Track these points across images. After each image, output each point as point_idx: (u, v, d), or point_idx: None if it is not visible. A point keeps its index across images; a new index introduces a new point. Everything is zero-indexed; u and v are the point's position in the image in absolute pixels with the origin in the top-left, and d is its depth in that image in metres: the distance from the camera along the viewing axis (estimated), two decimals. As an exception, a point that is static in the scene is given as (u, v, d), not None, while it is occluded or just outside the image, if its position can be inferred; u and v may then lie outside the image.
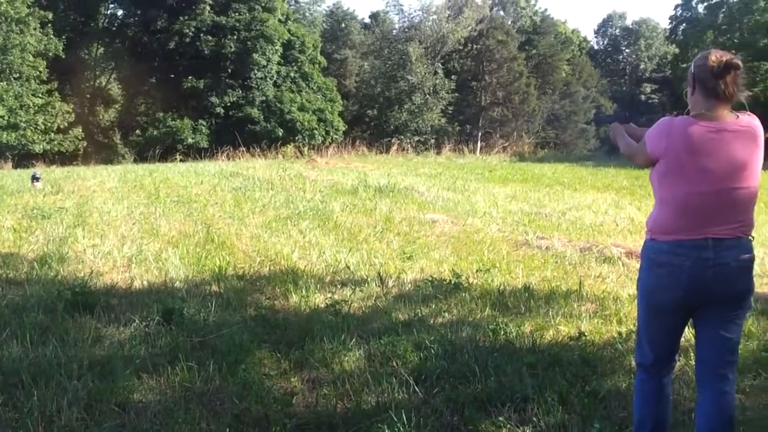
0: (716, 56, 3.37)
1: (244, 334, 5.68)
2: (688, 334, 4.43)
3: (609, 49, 71.06)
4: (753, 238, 3.47)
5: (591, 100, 57.11)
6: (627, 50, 69.72)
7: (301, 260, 8.62)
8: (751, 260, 3.43)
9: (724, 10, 46.50)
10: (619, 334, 5.66)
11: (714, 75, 3.34)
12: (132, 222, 11.65)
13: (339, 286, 7.39)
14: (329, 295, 6.90)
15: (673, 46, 54.70)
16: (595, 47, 71.99)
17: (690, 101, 3.49)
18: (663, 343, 3.63)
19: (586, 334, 5.67)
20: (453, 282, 7.24)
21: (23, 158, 34.65)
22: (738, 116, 3.38)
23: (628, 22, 70.98)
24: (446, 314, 6.39)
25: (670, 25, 53.87)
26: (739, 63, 3.37)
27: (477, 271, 7.91)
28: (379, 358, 5.17)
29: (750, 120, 3.40)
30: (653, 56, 67.12)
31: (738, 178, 3.34)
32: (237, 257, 8.88)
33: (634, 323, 5.94)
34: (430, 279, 7.49)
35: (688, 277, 3.35)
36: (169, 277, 7.76)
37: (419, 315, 6.33)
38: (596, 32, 73.10)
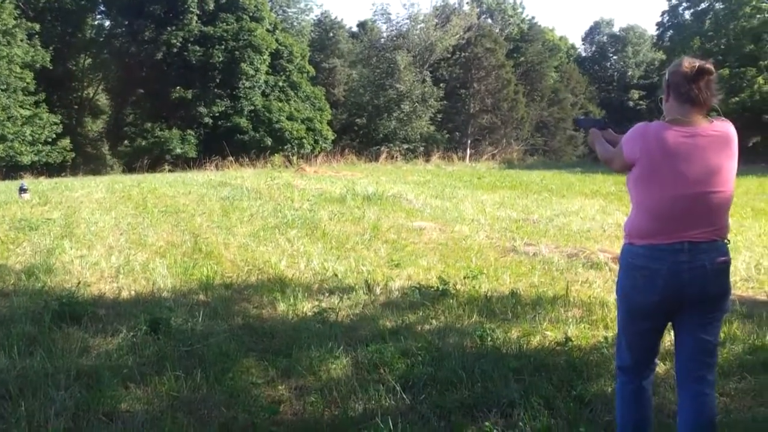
0: (689, 62, 3.41)
1: (232, 342, 5.69)
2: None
3: (597, 56, 71.25)
4: (729, 241, 3.50)
5: (579, 107, 57.25)
6: (614, 57, 69.95)
7: (289, 269, 8.63)
8: (727, 263, 3.47)
9: (710, 16, 46.80)
10: (606, 338, 5.68)
11: (687, 80, 3.39)
12: (119, 232, 11.63)
13: (327, 294, 7.40)
14: (317, 303, 6.92)
15: (660, 52, 54.96)
16: (583, 54, 72.23)
17: (664, 107, 3.53)
18: (641, 347, 3.65)
19: (572, 339, 5.69)
20: (440, 289, 7.26)
21: (11, 170, 34.57)
22: (712, 122, 3.42)
23: (616, 29, 71.28)
24: (433, 321, 6.41)
25: (657, 32, 54.09)
26: (712, 68, 3.41)
27: (464, 277, 7.93)
28: (366, 366, 5.17)
29: (724, 125, 3.43)
30: (641, 63, 67.35)
31: (712, 183, 3.37)
32: (224, 267, 8.88)
33: (619, 328, 6.00)
34: (418, 286, 7.50)
35: (665, 280, 3.38)
36: (156, 287, 7.75)
37: (406, 322, 6.35)
38: (584, 39, 73.38)
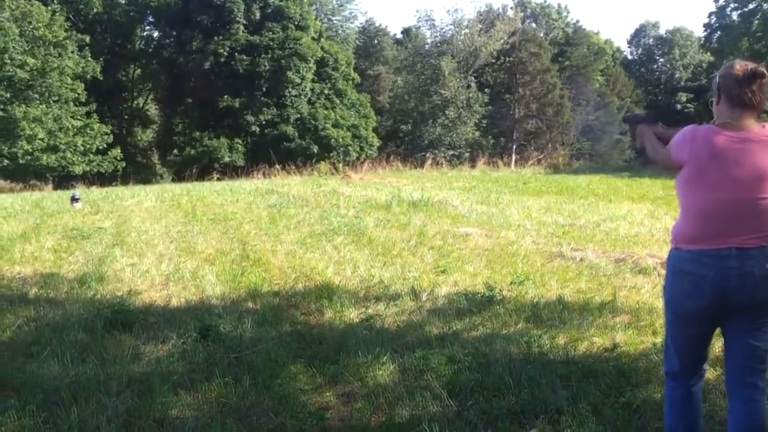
0: (741, 65, 3.38)
1: (280, 349, 5.74)
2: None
3: (643, 58, 70.37)
4: None
5: (626, 111, 56.58)
6: (661, 59, 69.04)
7: (336, 275, 8.67)
8: None
9: (758, 17, 45.99)
10: (654, 344, 5.62)
11: (739, 83, 3.35)
12: (169, 240, 11.79)
13: (373, 301, 7.42)
14: (363, 310, 6.95)
15: (708, 54, 54.18)
16: (629, 57, 71.39)
17: (715, 111, 3.50)
18: (689, 352, 3.63)
19: (620, 345, 5.65)
20: (486, 295, 7.24)
21: (63, 180, 35.26)
22: (764, 126, 3.37)
23: (662, 32, 70.35)
24: (480, 327, 6.39)
25: (704, 33, 53.31)
26: (765, 71, 3.36)
27: (511, 283, 7.91)
28: (413, 372, 5.18)
29: None
30: (688, 65, 66.40)
31: (761, 188, 3.31)
32: (272, 274, 8.95)
33: (668, 333, 5.94)
34: (464, 292, 7.50)
35: (712, 286, 3.35)
36: (205, 295, 7.85)
37: (453, 328, 6.34)
38: (629, 42, 72.45)
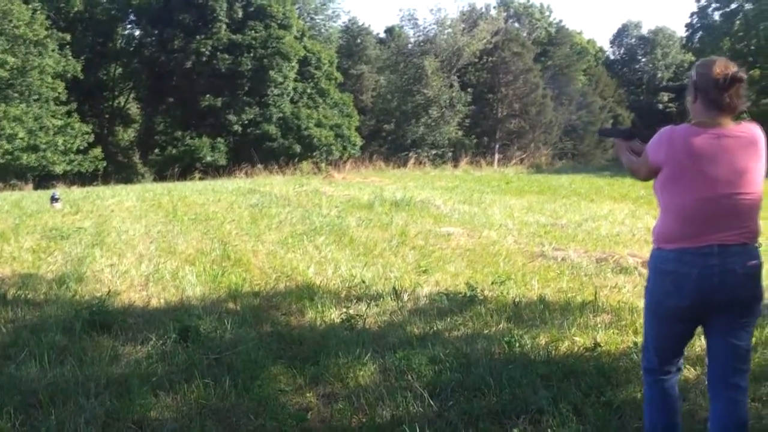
0: (720, 68, 3.40)
1: (260, 350, 5.71)
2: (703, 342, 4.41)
3: (625, 58, 70.65)
4: (760, 244, 3.49)
5: (608, 110, 56.84)
6: (643, 59, 69.33)
7: (317, 276, 8.65)
8: (758, 267, 3.44)
9: (740, 17, 46.29)
10: (635, 344, 5.63)
11: (718, 88, 3.38)
12: (149, 241, 11.73)
13: (354, 301, 7.41)
14: (344, 310, 6.92)
15: (690, 54, 54.42)
16: (612, 57, 71.67)
17: (691, 109, 3.53)
18: (669, 349, 3.66)
19: (601, 344, 5.66)
20: (468, 295, 7.25)
21: (44, 179, 34.99)
22: (740, 123, 3.43)
23: (644, 31, 70.64)
24: (461, 327, 6.40)
25: (686, 33, 53.62)
26: (744, 76, 3.41)
27: (492, 283, 7.92)
28: (394, 372, 5.18)
29: (750, 127, 3.44)
30: (670, 65, 66.71)
31: (740, 184, 3.36)
32: (253, 274, 8.92)
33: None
34: (445, 292, 7.49)
35: (695, 285, 3.37)
36: (185, 295, 7.81)
37: (434, 328, 6.34)
38: (612, 42, 72.68)
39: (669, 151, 3.43)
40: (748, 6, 45.93)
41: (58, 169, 35.89)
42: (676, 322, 3.54)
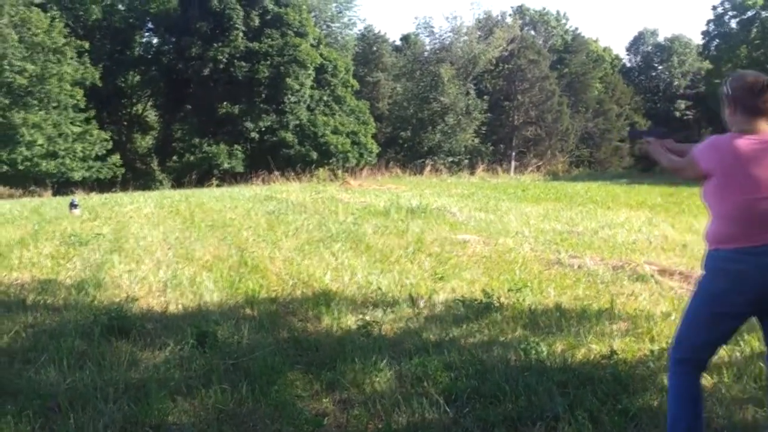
0: (753, 77, 3.69)
1: (277, 356, 5.72)
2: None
3: (642, 66, 70.32)
4: None
5: (625, 118, 56.67)
6: (660, 67, 69.00)
7: (334, 282, 8.66)
8: None
9: (756, 24, 46.11)
10: (652, 352, 5.63)
11: (755, 94, 3.63)
12: (167, 247, 11.78)
13: (371, 308, 7.42)
14: (361, 317, 6.93)
15: (707, 61, 54.23)
16: (628, 65, 71.35)
17: (730, 120, 3.75)
18: (715, 345, 3.88)
19: (618, 352, 5.63)
20: (484, 302, 7.23)
21: (63, 186, 35.24)
22: None
23: (660, 39, 70.33)
24: (477, 334, 6.39)
25: (702, 41, 53.44)
26: None
27: (508, 290, 7.89)
28: (410, 379, 5.18)
29: None
30: (687, 72, 66.38)
31: None
32: (270, 280, 8.95)
33: (667, 341, 5.94)
34: (462, 299, 7.49)
35: (753, 280, 3.57)
36: (203, 301, 7.84)
37: (450, 335, 6.34)
38: (628, 50, 72.41)
39: (717, 159, 3.65)
40: (765, 14, 45.75)
41: (77, 175, 36.14)
42: (731, 318, 3.73)
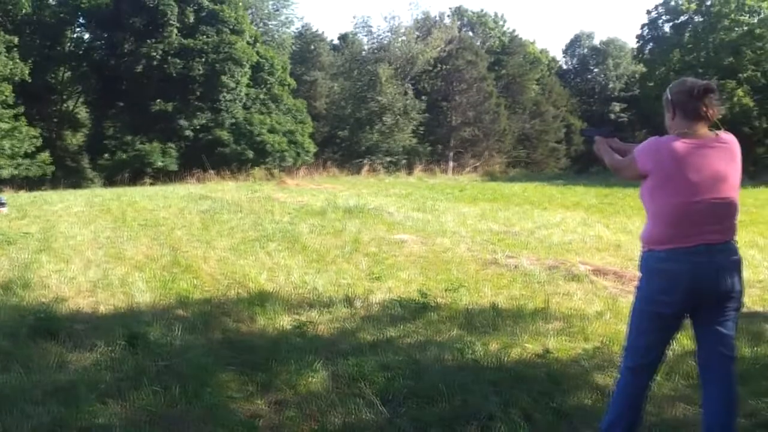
0: (692, 82, 3.80)
1: (210, 357, 5.64)
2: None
3: (578, 68, 71.34)
4: (736, 241, 3.79)
5: (561, 119, 57.43)
6: (595, 69, 70.10)
7: (269, 282, 8.59)
8: (740, 261, 3.77)
9: (689, 29, 47.13)
10: (585, 350, 5.70)
11: (694, 98, 3.72)
12: (97, 246, 11.54)
13: (306, 308, 7.37)
14: (296, 317, 6.89)
15: (641, 65, 55.24)
16: (564, 67, 72.33)
17: (670, 125, 3.85)
18: (660, 345, 3.88)
19: (552, 351, 5.70)
20: (421, 302, 7.25)
21: (-10, 184, 34.29)
22: (717, 134, 3.75)
23: (596, 42, 71.44)
24: (413, 334, 6.39)
25: (637, 44, 54.43)
26: (715, 86, 3.77)
27: (445, 290, 7.93)
28: (346, 379, 5.15)
29: (728, 137, 3.78)
30: (621, 75, 67.55)
31: (721, 189, 3.68)
32: (203, 281, 8.83)
33: (601, 340, 6.03)
34: (398, 299, 7.49)
35: (688, 280, 3.65)
36: (134, 302, 7.70)
37: (386, 335, 6.33)
38: (565, 52, 73.38)
39: (656, 161, 3.72)
40: (697, 18, 46.82)
41: (5, 173, 35.18)
42: (673, 316, 3.78)
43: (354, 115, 49.20)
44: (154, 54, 39.40)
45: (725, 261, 3.71)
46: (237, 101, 41.88)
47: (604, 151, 4.26)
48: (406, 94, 48.35)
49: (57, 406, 4.65)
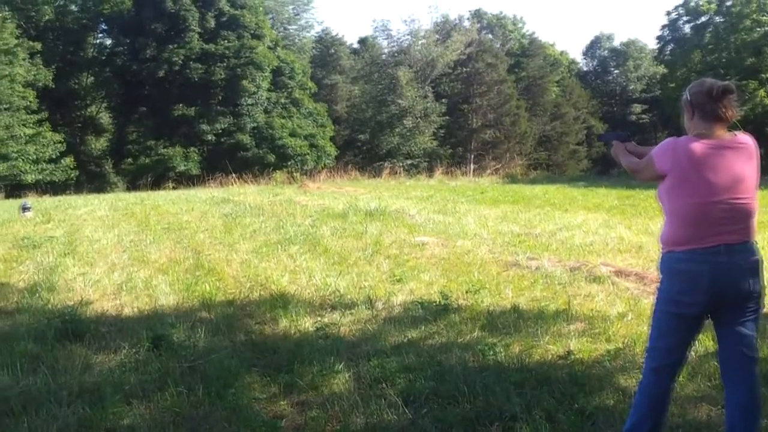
0: (711, 83, 3.77)
1: (233, 359, 5.69)
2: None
3: (598, 70, 71.03)
4: (756, 242, 3.78)
5: (582, 121, 57.22)
6: (616, 71, 69.75)
7: (291, 285, 8.63)
8: (759, 261, 3.75)
9: (710, 29, 46.88)
10: (608, 352, 5.67)
11: (712, 99, 3.70)
12: (122, 250, 11.65)
13: (328, 310, 7.40)
14: (318, 319, 6.92)
15: (662, 66, 54.97)
16: (584, 69, 72.06)
17: (689, 126, 3.83)
18: (682, 346, 3.87)
19: (574, 352, 5.68)
20: (442, 304, 7.25)
21: (15, 189, 34.60)
22: (735, 135, 3.74)
23: (616, 44, 71.13)
24: (435, 336, 6.39)
25: (657, 46, 54.19)
26: (734, 87, 3.75)
27: (466, 292, 7.92)
28: (368, 381, 5.17)
29: (746, 138, 3.77)
30: (642, 77, 67.15)
31: (738, 190, 3.67)
32: (227, 283, 8.88)
33: (623, 341, 6.01)
34: (420, 301, 7.50)
35: (708, 280, 3.65)
36: (158, 304, 7.76)
37: (408, 337, 6.34)
38: (584, 54, 73.09)
39: (674, 161, 3.70)
40: (718, 19, 46.53)
41: (30, 178, 35.50)
42: (694, 317, 3.77)
43: (374, 118, 49.25)
44: (176, 59, 39.69)
45: (745, 261, 3.68)
46: (258, 105, 42.08)
47: (621, 155, 4.27)
48: (426, 97, 48.33)
49: (83, 407, 4.72)
